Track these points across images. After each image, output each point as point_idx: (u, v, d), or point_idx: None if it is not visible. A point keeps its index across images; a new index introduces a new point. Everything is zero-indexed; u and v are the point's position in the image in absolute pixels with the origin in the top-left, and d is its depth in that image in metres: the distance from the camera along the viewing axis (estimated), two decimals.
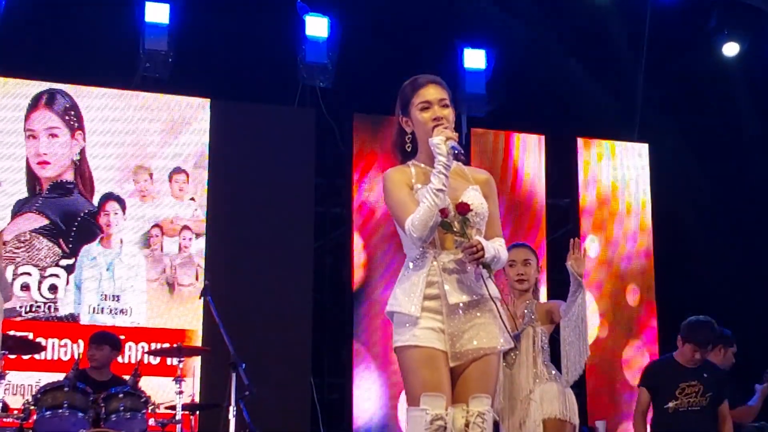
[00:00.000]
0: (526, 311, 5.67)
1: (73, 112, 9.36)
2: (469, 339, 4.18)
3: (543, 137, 10.66)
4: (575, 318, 5.40)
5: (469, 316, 4.20)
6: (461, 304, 4.18)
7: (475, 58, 10.36)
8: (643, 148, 10.97)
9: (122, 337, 8.91)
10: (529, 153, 10.59)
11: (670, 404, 7.00)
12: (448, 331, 4.17)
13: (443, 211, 4.11)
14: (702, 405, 6.99)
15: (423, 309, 4.18)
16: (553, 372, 5.62)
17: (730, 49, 10.70)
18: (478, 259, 4.13)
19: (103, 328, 8.54)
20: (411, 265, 4.27)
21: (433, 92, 4.33)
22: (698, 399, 6.99)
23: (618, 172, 10.85)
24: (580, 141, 10.79)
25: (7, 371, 6.97)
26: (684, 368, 7.07)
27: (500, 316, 4.21)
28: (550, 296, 9.92)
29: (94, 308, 9.05)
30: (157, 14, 9.53)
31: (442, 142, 4.18)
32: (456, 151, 4.17)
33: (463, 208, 4.17)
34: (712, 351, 7.55)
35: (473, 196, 4.27)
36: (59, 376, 7.61)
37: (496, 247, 4.24)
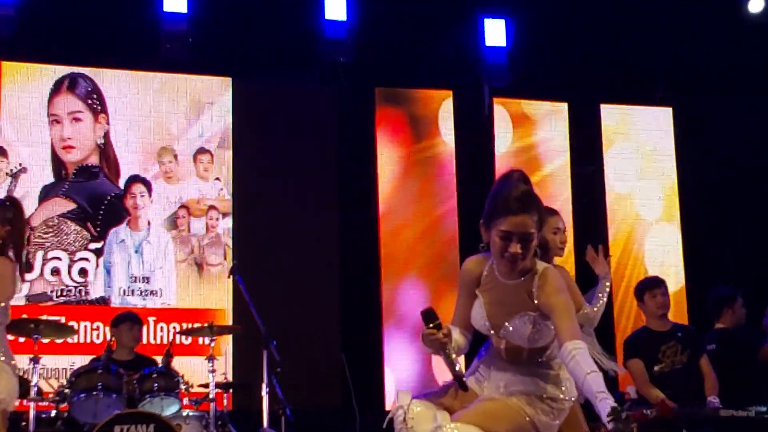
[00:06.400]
0: None
1: (95, 96, 9.39)
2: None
3: (566, 105, 10.61)
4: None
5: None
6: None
7: (495, 28, 10.29)
8: (666, 112, 10.89)
9: (153, 318, 9.00)
10: (553, 121, 10.55)
11: (656, 368, 7.23)
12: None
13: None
14: (683, 363, 7.26)
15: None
16: None
17: (755, 6, 10.51)
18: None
19: (133, 309, 8.58)
20: None
21: (519, 223, 4.08)
22: (679, 357, 7.26)
23: (642, 138, 10.79)
24: (603, 107, 10.73)
25: (41, 355, 7.00)
26: (659, 332, 7.36)
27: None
28: (576, 264, 9.92)
29: (124, 290, 9.10)
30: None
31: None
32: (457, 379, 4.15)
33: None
34: (722, 316, 7.74)
35: (511, 330, 4.22)
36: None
37: None
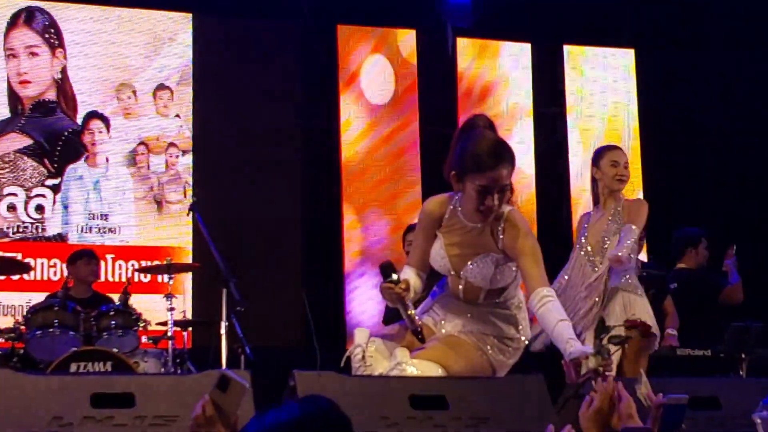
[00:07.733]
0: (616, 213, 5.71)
1: (52, 30, 9.22)
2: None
3: (529, 45, 10.54)
4: None
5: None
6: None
7: None
8: (629, 54, 10.84)
9: (111, 255, 8.92)
10: (516, 62, 10.48)
11: None
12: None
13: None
14: None
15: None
16: None
17: None
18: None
19: (90, 246, 8.48)
20: None
21: (497, 177, 4.05)
22: None
23: (605, 79, 10.74)
24: (566, 48, 10.66)
25: None
26: None
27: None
28: (537, 208, 9.92)
29: (81, 227, 9.01)
30: None
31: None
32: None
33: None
34: (684, 256, 7.73)
35: (473, 270, 4.22)
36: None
37: None
